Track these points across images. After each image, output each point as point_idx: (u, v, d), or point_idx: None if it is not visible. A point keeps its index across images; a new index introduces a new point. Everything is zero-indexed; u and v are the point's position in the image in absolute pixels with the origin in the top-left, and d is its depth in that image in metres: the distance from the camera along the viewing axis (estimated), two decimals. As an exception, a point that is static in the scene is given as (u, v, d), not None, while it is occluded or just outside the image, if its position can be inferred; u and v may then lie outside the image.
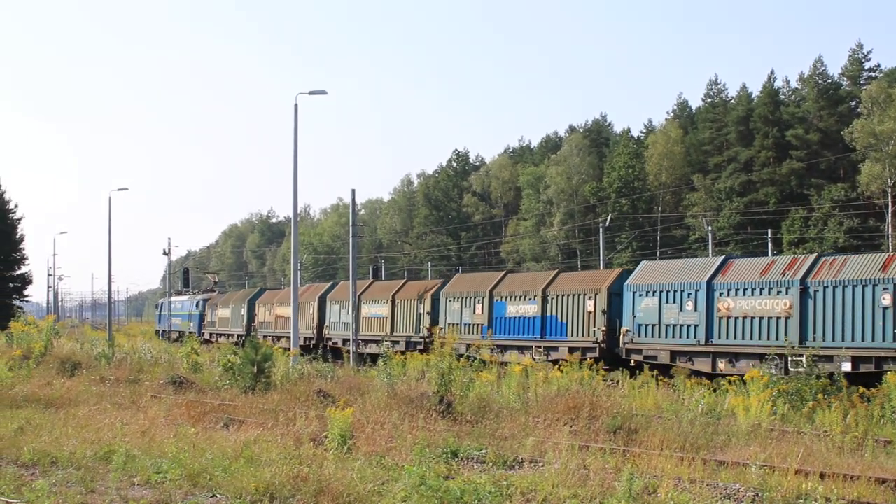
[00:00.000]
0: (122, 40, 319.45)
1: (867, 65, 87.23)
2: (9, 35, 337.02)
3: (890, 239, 72.53)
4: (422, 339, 40.00)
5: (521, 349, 34.44)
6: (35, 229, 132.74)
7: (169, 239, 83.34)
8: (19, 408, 20.52)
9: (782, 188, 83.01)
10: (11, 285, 69.13)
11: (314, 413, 18.18)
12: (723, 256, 31.51)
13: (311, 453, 14.14)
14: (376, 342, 42.62)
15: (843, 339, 25.01)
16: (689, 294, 29.28)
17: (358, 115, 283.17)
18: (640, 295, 30.79)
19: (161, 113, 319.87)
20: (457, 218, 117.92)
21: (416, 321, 41.46)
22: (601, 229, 69.87)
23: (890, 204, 74.15)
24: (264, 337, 50.46)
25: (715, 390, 23.26)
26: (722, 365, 27.83)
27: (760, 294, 27.32)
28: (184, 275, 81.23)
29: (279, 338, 49.35)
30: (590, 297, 32.81)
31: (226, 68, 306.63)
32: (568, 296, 33.73)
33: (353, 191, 47.38)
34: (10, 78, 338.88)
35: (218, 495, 11.91)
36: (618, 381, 26.87)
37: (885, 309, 24.25)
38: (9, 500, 11.43)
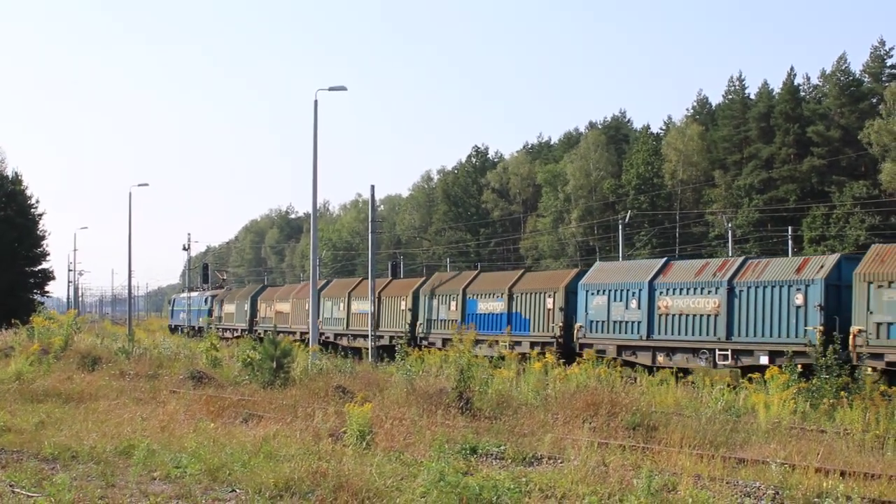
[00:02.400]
0: (142, 36, 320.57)
1: (889, 62, 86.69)
2: (28, 30, 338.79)
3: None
4: (403, 334, 42.02)
5: (490, 344, 35.91)
6: (56, 225, 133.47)
7: (189, 234, 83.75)
8: (40, 402, 20.64)
9: (803, 185, 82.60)
10: (33, 280, 69.45)
11: (333, 408, 18.20)
12: (664, 259, 33.69)
13: (329, 449, 14.16)
14: (364, 336, 45.48)
15: (762, 335, 27.31)
16: (633, 293, 31.46)
17: (377, 111, 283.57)
18: (592, 294, 32.92)
19: (181, 109, 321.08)
20: (476, 214, 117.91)
21: (399, 317, 43.71)
22: (620, 226, 69.73)
23: (912, 201, 73.72)
24: (265, 331, 52.30)
25: (734, 388, 23.20)
26: (661, 358, 29.96)
27: (694, 293, 29.59)
28: (203, 270, 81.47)
29: (278, 332, 50.37)
30: (549, 296, 35.10)
31: (246, 64, 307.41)
32: (531, 294, 36.03)
33: (373, 187, 47.50)
34: (31, 73, 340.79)
35: (237, 490, 11.93)
36: (636, 378, 26.98)
37: (797, 308, 26.54)
38: (30, 494, 11.48)
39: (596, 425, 16.90)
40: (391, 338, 43.05)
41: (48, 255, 71.29)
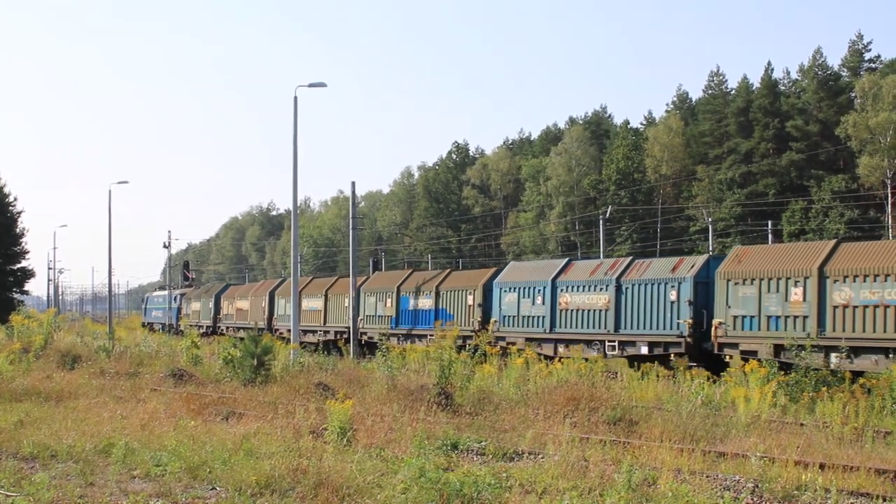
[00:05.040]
0: (121, 30, 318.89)
1: (867, 55, 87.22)
2: (4, 22, 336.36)
3: (890, 230, 72.52)
4: (347, 329, 44.82)
5: (419, 338, 38.81)
6: (35, 223, 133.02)
7: (169, 232, 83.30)
8: (19, 401, 20.51)
9: (782, 179, 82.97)
10: (12, 279, 69.05)
11: (314, 405, 18.18)
12: (567, 259, 36.56)
13: (310, 446, 14.13)
14: (313, 332, 48.15)
15: (644, 328, 29.99)
16: (538, 290, 34.04)
17: (358, 108, 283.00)
18: (505, 291, 35.56)
19: (162, 105, 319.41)
20: (457, 210, 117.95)
21: (343, 313, 46.25)
22: (601, 221, 69.87)
23: (890, 195, 74.11)
24: (227, 328, 59.45)
25: (715, 382, 23.32)
26: (561, 349, 32.03)
27: (589, 290, 32.16)
28: (184, 268, 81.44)
29: (237, 328, 56.62)
30: (470, 293, 37.72)
31: (226, 60, 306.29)
32: (454, 291, 38.70)
33: (353, 183, 47.33)
34: (6, 68, 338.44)
35: (217, 488, 11.91)
36: (616, 373, 27.32)
37: (672, 303, 29.18)
38: (8, 493, 11.42)
39: (577, 420, 16.94)
40: (336, 333, 45.99)
41: (27, 253, 71.03)
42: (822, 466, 13.12)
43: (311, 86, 36.19)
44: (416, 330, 39.88)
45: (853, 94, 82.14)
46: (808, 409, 19.62)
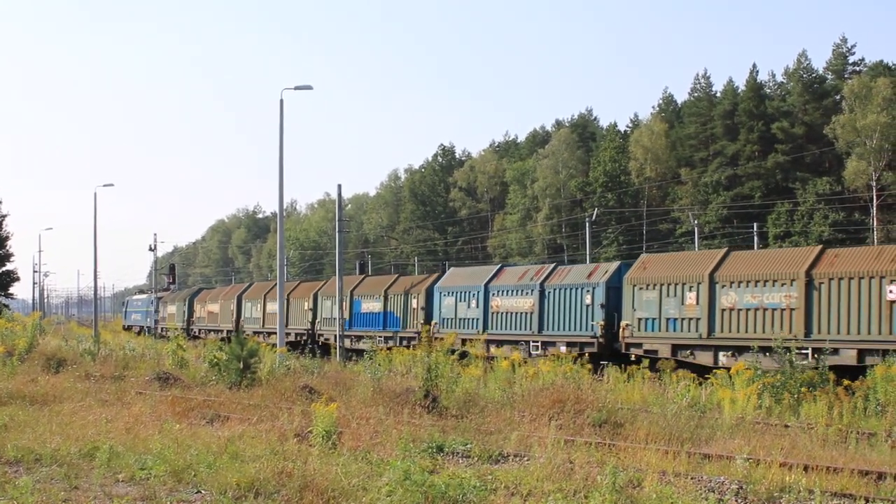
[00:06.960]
0: (106, 32, 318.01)
1: (851, 59, 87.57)
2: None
3: (875, 232, 72.77)
4: (305, 331, 47.66)
5: (369, 339, 39.73)
6: (21, 225, 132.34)
7: (155, 235, 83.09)
8: (3, 405, 20.34)
9: (768, 182, 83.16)
10: (-4, 282, 68.84)
11: (299, 408, 18.13)
12: (499, 265, 39.49)
13: (295, 449, 14.10)
14: (275, 334, 49.19)
15: (563, 329, 32.35)
16: (473, 294, 36.53)
17: (344, 110, 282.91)
18: (444, 295, 38.06)
19: (148, 107, 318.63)
20: (443, 213, 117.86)
21: (302, 316, 48.87)
22: (587, 224, 69.94)
23: (875, 198, 74.38)
24: (199, 330, 62.21)
25: (701, 384, 23.40)
26: (493, 349, 33.41)
27: (516, 294, 34.60)
28: (170, 271, 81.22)
29: (209, 331, 59.64)
30: (414, 297, 40.08)
31: (212, 63, 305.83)
32: (400, 295, 41.03)
33: (340, 186, 47.36)
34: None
35: (202, 491, 11.86)
36: (603, 375, 27.42)
37: (587, 306, 31.54)
38: (-8, 498, 11.36)
39: (562, 422, 16.94)
40: (297, 335, 47.92)
41: (12, 256, 70.83)
42: (806, 468, 13.17)
43: (297, 88, 36.12)
44: (367, 331, 41.62)
45: (839, 97, 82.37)
46: (792, 410, 19.69)
